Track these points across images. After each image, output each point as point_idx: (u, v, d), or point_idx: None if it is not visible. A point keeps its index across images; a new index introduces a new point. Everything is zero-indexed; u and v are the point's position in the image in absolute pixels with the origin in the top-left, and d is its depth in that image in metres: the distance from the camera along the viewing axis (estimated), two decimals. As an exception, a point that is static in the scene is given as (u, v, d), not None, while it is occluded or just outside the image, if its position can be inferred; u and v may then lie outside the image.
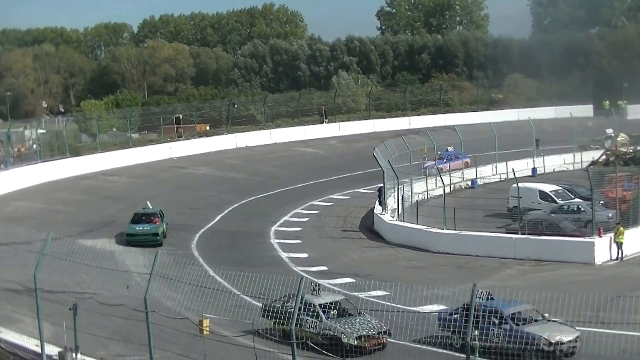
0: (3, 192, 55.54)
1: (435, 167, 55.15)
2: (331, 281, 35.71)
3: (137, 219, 45.19)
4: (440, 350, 24.24)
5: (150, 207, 47.75)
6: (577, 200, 45.85)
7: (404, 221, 46.47)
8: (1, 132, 68.04)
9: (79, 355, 22.19)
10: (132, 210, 52.09)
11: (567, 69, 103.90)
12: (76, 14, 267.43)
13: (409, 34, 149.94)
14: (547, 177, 58.44)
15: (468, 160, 62.11)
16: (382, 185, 50.34)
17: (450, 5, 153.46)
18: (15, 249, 29.70)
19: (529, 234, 40.47)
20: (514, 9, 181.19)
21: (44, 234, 25.03)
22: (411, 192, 50.66)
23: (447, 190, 49.97)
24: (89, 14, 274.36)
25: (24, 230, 36.25)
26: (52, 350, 22.77)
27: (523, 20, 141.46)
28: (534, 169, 61.64)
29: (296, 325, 20.02)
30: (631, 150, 59.88)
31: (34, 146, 65.41)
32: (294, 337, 19.56)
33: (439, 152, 61.32)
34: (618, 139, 66.39)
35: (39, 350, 22.91)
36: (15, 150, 63.73)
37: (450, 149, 63.46)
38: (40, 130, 71.90)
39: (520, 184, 42.82)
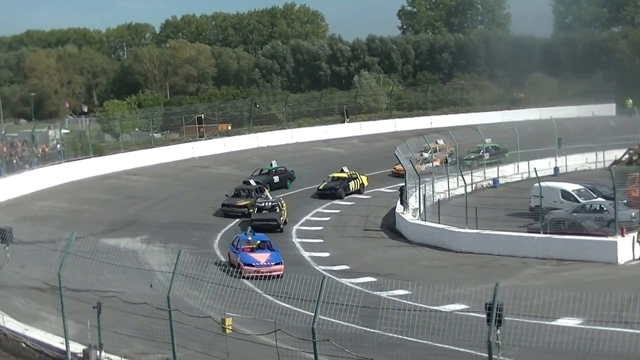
0: (28, 191, 55.94)
1: None
2: (353, 280, 35.79)
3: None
4: (462, 350, 24.25)
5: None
6: (599, 199, 45.68)
7: (425, 220, 46.45)
8: (25, 133, 68.47)
9: (103, 353, 22.35)
10: (153, 209, 52.64)
11: (590, 67, 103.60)
12: (99, 15, 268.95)
13: (430, 33, 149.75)
14: (570, 176, 58.28)
15: None
16: (403, 184, 50.38)
17: (471, 4, 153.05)
18: (40, 248, 29.92)
19: (551, 233, 40.37)
20: (535, 8, 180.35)
21: (68, 233, 25.19)
22: (432, 191, 50.63)
23: (469, 189, 49.93)
24: (111, 14, 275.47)
25: (48, 229, 36.48)
26: (76, 348, 22.94)
27: (545, 18, 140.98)
28: (556, 168, 61.49)
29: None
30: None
31: (58, 146, 65.79)
32: (315, 335, 19.62)
33: None
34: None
35: (63, 347, 23.09)
36: (40, 150, 64.11)
37: None
38: (64, 130, 72.37)
39: (542, 183, 42.75)
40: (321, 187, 58.23)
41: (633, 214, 40.88)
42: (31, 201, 54.54)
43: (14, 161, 59.82)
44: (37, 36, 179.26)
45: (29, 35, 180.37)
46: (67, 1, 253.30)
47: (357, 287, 33.94)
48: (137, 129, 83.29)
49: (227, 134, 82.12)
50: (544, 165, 58.36)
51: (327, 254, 42.33)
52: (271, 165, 62.62)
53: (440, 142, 64.99)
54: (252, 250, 39.67)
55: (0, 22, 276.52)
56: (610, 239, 38.93)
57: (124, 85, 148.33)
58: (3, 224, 29.95)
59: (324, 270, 38.19)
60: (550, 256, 39.38)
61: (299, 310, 27.14)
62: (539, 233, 40.75)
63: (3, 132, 67.73)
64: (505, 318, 20.26)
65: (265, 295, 28.92)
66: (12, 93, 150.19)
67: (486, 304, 20.42)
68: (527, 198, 48.10)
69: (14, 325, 25.87)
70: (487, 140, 62.71)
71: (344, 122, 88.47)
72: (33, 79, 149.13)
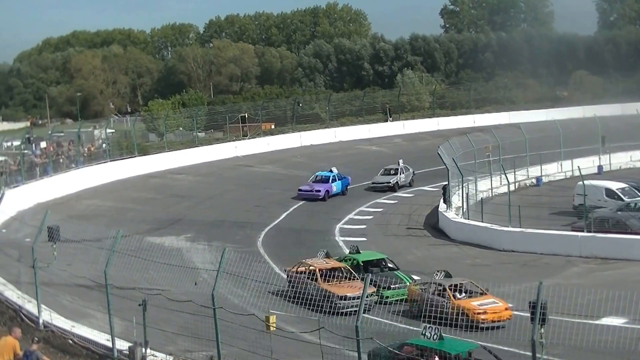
0: (74, 190, 56.49)
1: None
2: (396, 279, 35.78)
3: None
4: (505, 348, 24.25)
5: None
6: (644, 198, 45.33)
7: (468, 219, 46.36)
8: (72, 132, 69.19)
9: (148, 350, 22.58)
10: (198, 208, 52.99)
11: (634, 65, 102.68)
12: (143, 16, 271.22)
13: (473, 31, 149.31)
14: (614, 175, 57.85)
15: None
16: (446, 183, 50.32)
17: (514, 2, 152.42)
18: (87, 246, 30.28)
19: (595, 231, 40.13)
20: (579, 5, 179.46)
21: (114, 231, 25.47)
22: (476, 189, 50.54)
23: (512, 188, 49.73)
24: (155, 15, 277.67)
25: (94, 227, 36.92)
26: (122, 345, 23.21)
27: (588, 16, 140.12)
28: (599, 167, 61.08)
29: None
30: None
31: (104, 145, 66.42)
32: (359, 333, 19.72)
33: None
34: None
35: (110, 344, 23.37)
36: (85, 149, 64.75)
37: None
38: (109, 130, 73.05)
39: (586, 182, 42.49)
40: None
41: (678, 213, 40.50)
42: (77, 200, 55.11)
43: (61, 160, 60.48)
44: (82, 37, 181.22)
45: (75, 36, 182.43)
46: (111, 2, 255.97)
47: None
48: (181, 129, 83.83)
49: (271, 133, 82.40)
50: (587, 164, 57.99)
51: (370, 253, 42.36)
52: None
53: None
54: None
55: (47, 24, 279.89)
56: (655, 237, 38.64)
57: (168, 85, 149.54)
58: (50, 223, 30.31)
59: (366, 268, 38.17)
60: (595, 255, 39.12)
61: (343, 308, 27.24)
62: (583, 232, 40.54)
63: (50, 132, 68.51)
64: (549, 317, 20.26)
65: (308, 293, 28.99)
66: (58, 93, 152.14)
67: (530, 303, 20.44)
68: (570, 196, 47.87)
69: (61, 322, 26.22)
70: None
71: (386, 120, 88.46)
72: (79, 79, 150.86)
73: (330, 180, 58.22)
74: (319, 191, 57.09)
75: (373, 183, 60.43)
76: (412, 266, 39.31)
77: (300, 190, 57.67)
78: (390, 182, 59.97)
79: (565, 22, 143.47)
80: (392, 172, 61.18)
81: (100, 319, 26.19)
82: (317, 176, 59.20)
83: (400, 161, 62.53)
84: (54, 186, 55.24)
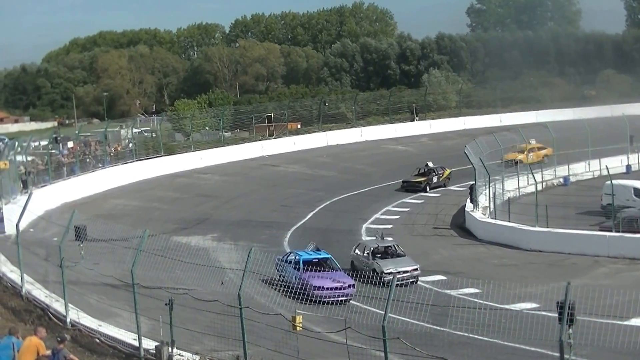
0: (101, 189, 56.78)
1: None
2: (423, 278, 35.73)
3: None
4: (532, 349, 24.13)
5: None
6: (673, 197, 45.01)
7: (495, 218, 46.16)
8: (98, 132, 69.53)
9: (174, 350, 22.60)
10: (224, 207, 53.04)
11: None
12: (169, 16, 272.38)
13: (499, 30, 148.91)
14: (642, 175, 57.52)
15: None
16: (473, 182, 50.15)
17: (541, 1, 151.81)
18: (113, 246, 30.39)
19: (623, 231, 39.87)
20: (607, 4, 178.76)
21: (140, 230, 25.51)
22: (503, 189, 50.30)
23: (539, 187, 49.48)
24: (181, 15, 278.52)
25: (121, 227, 37.02)
26: (149, 344, 23.23)
27: (616, 14, 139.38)
28: (628, 166, 60.70)
29: None
30: None
31: (130, 145, 66.71)
32: (386, 333, 19.66)
33: None
34: None
35: (136, 344, 23.40)
36: (112, 149, 65.05)
37: None
38: (135, 130, 73.41)
39: (614, 181, 42.24)
40: None
41: None
42: (104, 199, 55.35)
43: (87, 160, 60.80)
44: (109, 37, 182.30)
45: (102, 36, 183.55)
46: (138, 2, 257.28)
47: (427, 286, 33.91)
48: (207, 128, 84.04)
49: (297, 132, 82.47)
50: (615, 163, 57.61)
51: (396, 252, 42.25)
52: None
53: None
54: None
55: (75, 24, 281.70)
56: (684, 237, 38.32)
57: (194, 84, 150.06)
58: (78, 222, 30.43)
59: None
60: (623, 255, 38.84)
61: (369, 308, 27.20)
62: (611, 231, 40.28)
63: (77, 132, 68.89)
64: (577, 317, 20.10)
65: (334, 293, 29.02)
66: (85, 93, 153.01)
67: (558, 303, 20.31)
68: (598, 196, 47.56)
69: (88, 321, 26.31)
70: None
71: (413, 120, 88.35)
72: (106, 79, 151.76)
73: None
74: (352, 286, 32.53)
75: None
76: (439, 266, 39.23)
77: (320, 287, 32.06)
78: None
79: (592, 20, 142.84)
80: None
81: (127, 318, 26.26)
82: (305, 261, 35.52)
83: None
84: (81, 186, 55.55)
